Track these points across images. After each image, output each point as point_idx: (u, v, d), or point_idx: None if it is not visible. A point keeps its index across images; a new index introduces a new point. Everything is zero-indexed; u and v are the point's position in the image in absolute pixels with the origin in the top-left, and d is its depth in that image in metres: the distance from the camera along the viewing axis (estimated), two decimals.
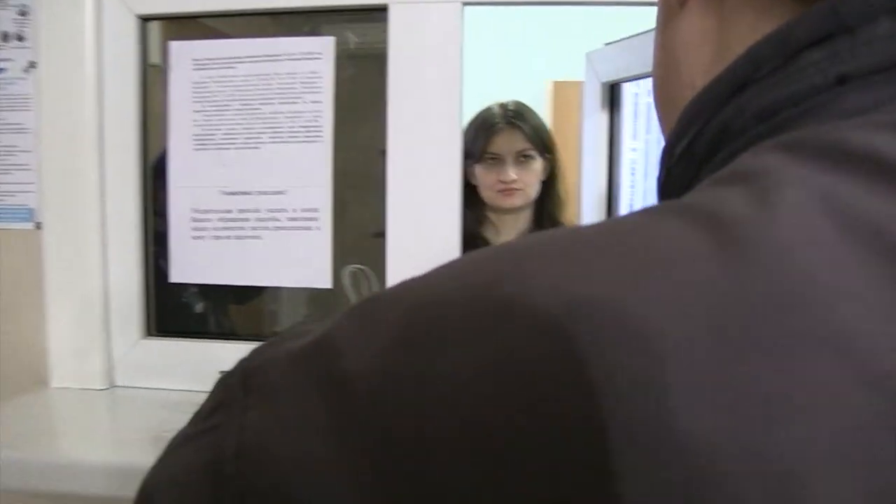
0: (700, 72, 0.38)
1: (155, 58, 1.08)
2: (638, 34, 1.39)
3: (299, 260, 1.05)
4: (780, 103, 0.32)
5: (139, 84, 1.07)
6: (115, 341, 1.07)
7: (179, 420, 0.35)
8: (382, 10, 1.01)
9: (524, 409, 0.23)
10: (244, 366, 0.33)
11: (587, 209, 1.61)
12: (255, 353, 0.34)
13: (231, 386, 0.33)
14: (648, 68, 1.56)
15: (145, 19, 1.07)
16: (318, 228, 1.05)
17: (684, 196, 0.29)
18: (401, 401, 0.25)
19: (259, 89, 1.04)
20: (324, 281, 1.05)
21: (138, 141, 1.07)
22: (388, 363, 0.27)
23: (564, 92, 3.44)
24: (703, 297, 0.23)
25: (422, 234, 1.01)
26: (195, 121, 1.05)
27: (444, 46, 1.00)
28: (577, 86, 3.40)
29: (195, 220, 1.06)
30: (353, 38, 1.04)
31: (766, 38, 0.33)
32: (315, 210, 1.05)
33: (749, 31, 0.35)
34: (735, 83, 0.34)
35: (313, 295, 1.10)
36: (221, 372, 0.34)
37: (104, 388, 1.06)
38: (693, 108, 0.36)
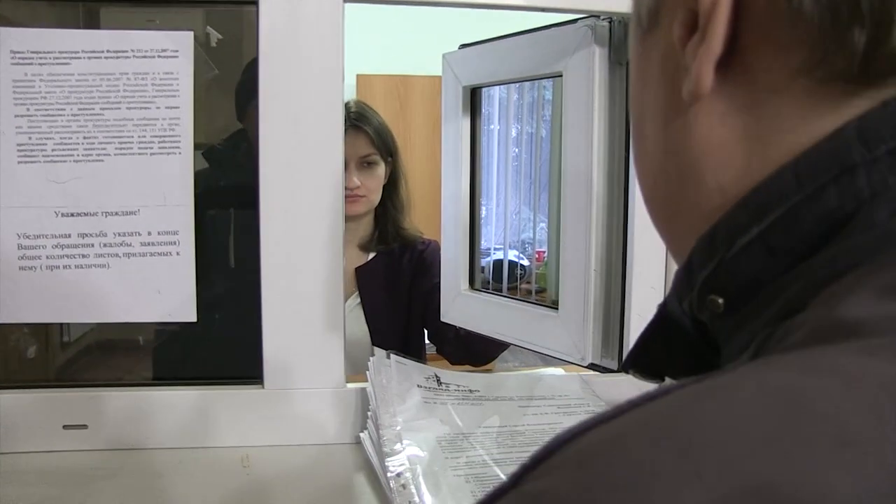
0: (732, 173, 0.33)
1: None
2: (496, 38, 1.34)
3: (158, 291, 0.90)
4: None
5: None
6: None
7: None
8: (251, 3, 0.88)
9: None
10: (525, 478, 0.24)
11: (447, 217, 1.56)
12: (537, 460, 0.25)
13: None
14: (515, 74, 1.49)
15: None
16: (179, 254, 0.90)
17: (849, 313, 0.25)
18: None
19: (102, 91, 0.87)
20: (188, 314, 0.91)
21: None
22: None
23: (368, 84, 3.50)
24: None
25: (299, 249, 0.90)
26: (18, 127, 0.87)
27: (324, 46, 0.89)
28: (380, 79, 3.48)
29: (23, 247, 0.88)
30: (215, 34, 0.90)
31: (875, 115, 0.29)
32: (174, 233, 0.90)
33: (798, 125, 0.31)
34: (839, 166, 0.29)
35: (176, 331, 0.95)
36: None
37: None
38: (762, 196, 0.31)
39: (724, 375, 0.25)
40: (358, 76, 3.52)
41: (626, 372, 0.47)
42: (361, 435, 0.87)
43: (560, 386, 0.93)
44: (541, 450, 0.25)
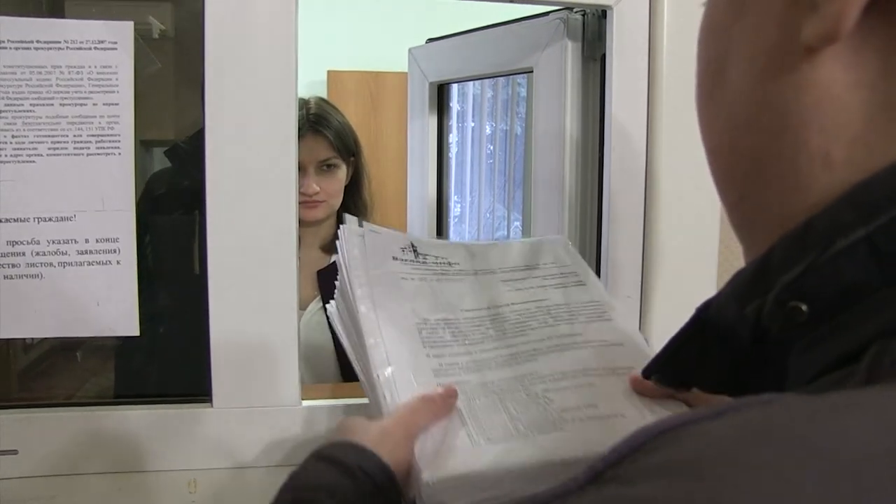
0: (845, 138, 0.27)
1: None
2: (464, 32, 1.29)
3: (96, 303, 0.83)
4: None
5: None
6: None
7: None
8: None
9: None
10: None
11: (414, 219, 1.50)
12: None
13: None
14: (484, 70, 1.44)
15: None
16: (119, 262, 0.84)
17: None
18: None
19: (32, 86, 0.80)
20: (129, 328, 0.84)
21: None
22: None
23: (339, 81, 3.43)
24: None
25: (250, 258, 0.84)
26: None
27: (276, 40, 0.83)
28: (351, 76, 3.43)
29: None
30: (157, 24, 0.84)
31: None
32: (115, 240, 0.83)
33: None
34: None
35: (117, 346, 0.88)
36: None
37: None
38: (876, 190, 0.26)
39: (862, 395, 0.22)
40: (329, 72, 3.45)
41: (647, 378, 0.43)
42: (328, 307, 0.78)
43: (545, 253, 0.85)
44: (622, 445, 0.22)
